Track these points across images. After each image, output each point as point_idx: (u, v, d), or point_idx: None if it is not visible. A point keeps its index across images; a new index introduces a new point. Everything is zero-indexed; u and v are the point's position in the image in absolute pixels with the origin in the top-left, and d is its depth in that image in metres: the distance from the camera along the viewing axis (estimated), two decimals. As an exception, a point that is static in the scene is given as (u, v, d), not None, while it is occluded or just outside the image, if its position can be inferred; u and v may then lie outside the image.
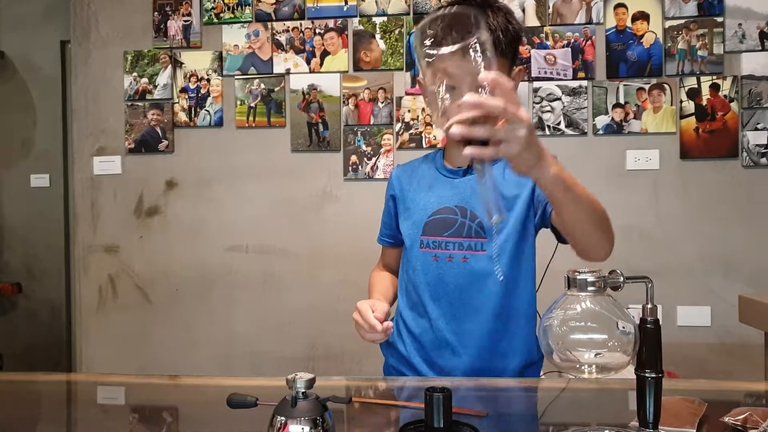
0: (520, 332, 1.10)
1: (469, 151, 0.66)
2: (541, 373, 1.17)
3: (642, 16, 2.37)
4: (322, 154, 2.53)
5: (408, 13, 2.48)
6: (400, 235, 1.20)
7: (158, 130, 2.61)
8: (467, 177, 1.12)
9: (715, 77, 2.33)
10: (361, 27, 2.50)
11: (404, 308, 1.17)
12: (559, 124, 2.40)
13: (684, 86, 2.35)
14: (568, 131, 2.40)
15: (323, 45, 2.52)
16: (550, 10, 2.41)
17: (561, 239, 1.04)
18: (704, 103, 2.34)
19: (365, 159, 2.50)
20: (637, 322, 0.67)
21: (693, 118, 2.34)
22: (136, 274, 2.63)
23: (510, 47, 1.04)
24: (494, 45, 1.02)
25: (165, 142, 2.61)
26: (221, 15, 2.57)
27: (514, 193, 1.08)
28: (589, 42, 2.39)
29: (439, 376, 1.10)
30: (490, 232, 1.07)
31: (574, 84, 2.39)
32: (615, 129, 2.38)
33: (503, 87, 0.66)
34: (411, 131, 2.47)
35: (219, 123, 2.58)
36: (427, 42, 0.72)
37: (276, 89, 2.55)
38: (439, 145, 2.44)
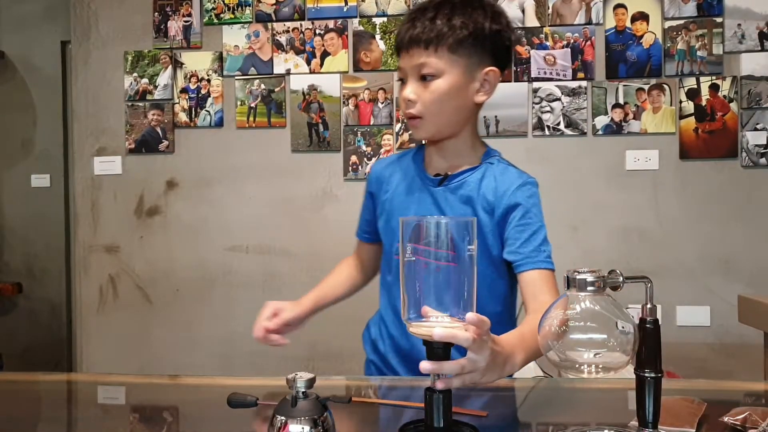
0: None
1: (428, 366, 0.69)
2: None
3: (641, 17, 2.37)
4: (322, 155, 2.53)
5: (408, 14, 2.48)
6: (378, 231, 1.20)
7: (158, 130, 2.61)
8: (441, 187, 1.11)
9: (714, 77, 2.34)
10: (361, 27, 2.50)
11: (384, 308, 1.18)
12: (558, 124, 2.40)
13: (683, 86, 2.35)
14: (568, 131, 2.40)
15: (323, 45, 2.53)
16: (550, 11, 2.41)
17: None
18: (704, 103, 2.34)
19: (365, 159, 2.50)
20: (637, 321, 0.67)
21: (692, 119, 2.35)
22: (137, 274, 2.63)
23: (469, 45, 1.02)
24: (440, 38, 1.01)
25: (165, 143, 2.61)
26: (221, 15, 2.57)
27: (484, 216, 1.06)
28: (588, 42, 2.39)
29: (414, 375, 1.10)
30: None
31: (574, 84, 2.39)
32: (614, 129, 2.38)
33: (481, 328, 0.70)
34: (411, 132, 2.47)
35: (219, 123, 2.58)
36: None
37: (276, 90, 2.55)
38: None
